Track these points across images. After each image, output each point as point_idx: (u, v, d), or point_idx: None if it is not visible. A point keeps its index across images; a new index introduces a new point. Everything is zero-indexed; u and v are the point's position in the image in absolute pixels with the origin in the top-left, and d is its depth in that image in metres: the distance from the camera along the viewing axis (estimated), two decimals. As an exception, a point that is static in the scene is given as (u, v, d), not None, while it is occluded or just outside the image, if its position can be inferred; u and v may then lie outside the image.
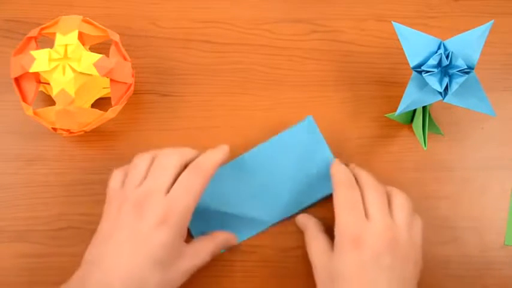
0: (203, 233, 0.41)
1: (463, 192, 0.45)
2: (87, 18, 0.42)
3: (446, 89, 0.37)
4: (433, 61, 0.36)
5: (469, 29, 0.36)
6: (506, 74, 0.48)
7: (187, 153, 0.38)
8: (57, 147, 0.45)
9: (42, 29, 0.41)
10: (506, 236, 0.44)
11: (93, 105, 0.45)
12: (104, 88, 0.46)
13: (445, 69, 0.37)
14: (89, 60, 0.39)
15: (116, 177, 0.38)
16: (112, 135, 0.46)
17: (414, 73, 0.38)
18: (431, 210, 0.45)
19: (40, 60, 0.39)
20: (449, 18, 0.49)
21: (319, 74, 0.48)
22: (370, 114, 0.47)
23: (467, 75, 0.36)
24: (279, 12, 0.49)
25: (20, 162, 0.45)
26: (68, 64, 0.39)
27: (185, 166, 0.37)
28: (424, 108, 0.42)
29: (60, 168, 0.45)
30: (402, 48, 0.37)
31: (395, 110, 0.39)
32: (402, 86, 0.39)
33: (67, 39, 0.39)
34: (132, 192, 0.36)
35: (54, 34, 0.40)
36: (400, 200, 0.38)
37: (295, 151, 0.43)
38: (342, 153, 0.45)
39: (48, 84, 0.44)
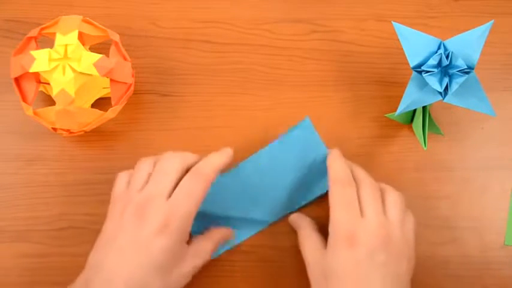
0: (201, 232, 0.41)
1: (463, 192, 0.45)
2: (87, 18, 0.42)
3: (446, 89, 0.37)
4: (433, 61, 0.36)
5: (469, 29, 0.36)
6: (506, 74, 0.48)
7: (189, 157, 0.38)
8: (57, 147, 0.45)
9: (42, 29, 0.41)
10: (506, 236, 0.44)
11: (93, 105, 0.45)
12: (104, 88, 0.46)
13: (445, 69, 0.37)
14: (89, 60, 0.39)
15: (120, 180, 0.38)
16: (112, 135, 0.46)
17: (414, 73, 0.38)
18: (431, 210, 0.45)
19: (40, 60, 0.39)
20: (449, 18, 0.49)
21: (319, 74, 0.48)
22: (370, 114, 0.47)
23: (467, 75, 0.36)
24: (279, 12, 0.49)
25: (20, 162, 0.45)
26: (68, 64, 0.39)
27: (187, 170, 0.37)
28: (424, 108, 0.42)
29: (60, 168, 0.45)
30: (402, 48, 0.37)
31: (395, 110, 0.39)
32: (402, 86, 0.39)
33: (67, 39, 0.39)
34: (134, 196, 0.36)
35: (54, 34, 0.40)
36: (393, 197, 0.38)
37: (293, 154, 0.43)
38: (342, 154, 0.45)
39: (48, 84, 0.44)
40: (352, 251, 0.35)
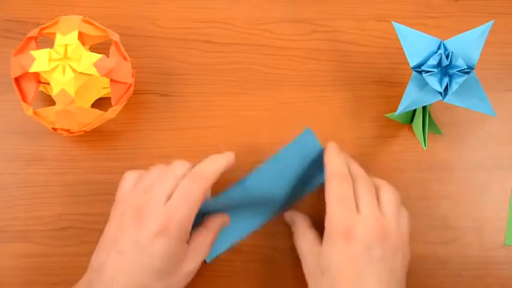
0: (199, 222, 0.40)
1: (463, 192, 0.45)
2: (87, 18, 0.42)
3: (446, 89, 0.37)
4: (433, 61, 0.36)
5: (469, 29, 0.36)
6: (506, 74, 0.48)
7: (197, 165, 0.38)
8: (57, 147, 0.45)
9: (42, 29, 0.41)
10: (506, 236, 0.44)
11: (93, 105, 0.45)
12: (104, 88, 0.46)
13: (445, 69, 0.37)
14: (89, 60, 0.39)
15: (127, 180, 0.38)
16: (112, 135, 0.46)
17: (414, 73, 0.38)
18: (431, 210, 0.45)
19: (40, 60, 0.39)
20: (449, 18, 0.49)
21: (319, 74, 0.48)
22: (370, 114, 0.47)
23: (467, 75, 0.36)
24: (279, 12, 0.49)
25: (20, 162, 0.45)
26: (68, 64, 0.39)
27: None
28: (424, 108, 0.42)
29: (60, 168, 0.45)
30: (402, 48, 0.37)
31: (395, 110, 0.39)
32: (402, 86, 0.39)
33: (67, 39, 0.39)
34: (135, 199, 0.36)
35: (54, 34, 0.40)
36: (388, 192, 0.38)
37: (295, 165, 0.42)
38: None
39: (48, 84, 0.44)
40: (348, 246, 0.35)
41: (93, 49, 0.46)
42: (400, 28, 0.37)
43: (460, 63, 0.36)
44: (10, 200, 0.44)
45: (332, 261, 0.35)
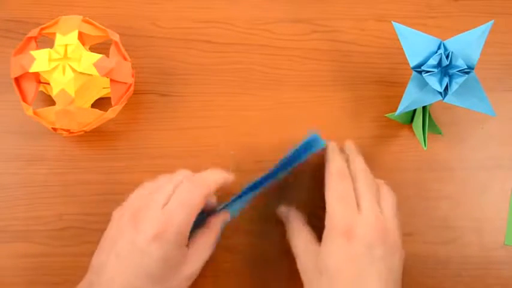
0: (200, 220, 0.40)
1: (463, 192, 0.45)
2: (87, 18, 0.42)
3: (446, 89, 0.37)
4: (433, 61, 0.36)
5: (469, 29, 0.36)
6: (506, 74, 0.48)
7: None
8: (57, 147, 0.45)
9: (42, 29, 0.41)
10: (506, 236, 0.44)
11: (93, 105, 0.45)
12: (104, 88, 0.46)
13: (445, 69, 0.37)
14: (89, 60, 0.39)
15: (143, 186, 0.38)
16: (112, 135, 0.46)
17: (414, 73, 0.38)
18: (431, 210, 0.45)
19: (40, 60, 0.39)
20: (449, 18, 0.49)
21: (319, 74, 0.48)
22: (370, 114, 0.47)
23: (467, 75, 0.36)
24: (279, 12, 0.49)
25: (20, 162, 0.45)
26: (68, 64, 0.39)
27: None
28: (424, 108, 0.42)
29: (60, 168, 0.45)
30: (402, 48, 0.37)
31: (395, 110, 0.39)
32: (402, 86, 0.39)
33: (67, 39, 0.39)
34: (135, 202, 0.36)
35: (54, 34, 0.40)
36: (387, 193, 0.38)
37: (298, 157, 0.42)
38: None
39: (48, 84, 0.44)
40: (349, 245, 0.35)
41: (93, 49, 0.46)
42: (400, 28, 0.37)
43: (460, 63, 0.36)
44: (10, 200, 0.44)
45: (332, 260, 0.35)
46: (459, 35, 0.36)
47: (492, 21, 0.36)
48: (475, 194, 0.45)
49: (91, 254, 0.41)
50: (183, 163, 0.45)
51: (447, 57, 0.36)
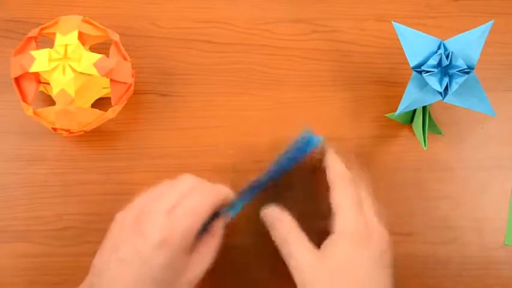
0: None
1: (463, 192, 0.45)
2: (87, 18, 0.42)
3: (446, 89, 0.37)
4: (433, 61, 0.36)
5: (469, 29, 0.36)
6: (506, 74, 0.48)
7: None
8: (57, 147, 0.45)
9: (42, 29, 0.41)
10: (506, 236, 0.44)
11: (93, 105, 0.45)
12: (104, 88, 0.46)
13: (445, 69, 0.37)
14: (89, 60, 0.39)
15: (147, 191, 0.38)
16: (112, 135, 0.46)
17: (414, 73, 0.38)
18: (431, 210, 0.45)
19: (40, 60, 0.39)
20: (449, 18, 0.49)
21: (319, 74, 0.48)
22: (370, 114, 0.47)
23: (467, 75, 0.36)
24: (279, 12, 0.49)
25: (20, 162, 0.45)
26: (68, 64, 0.39)
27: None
28: (424, 108, 0.42)
29: (60, 168, 0.45)
30: (402, 48, 0.37)
31: (395, 110, 0.39)
32: (402, 86, 0.39)
33: (67, 39, 0.39)
34: (137, 206, 0.36)
35: (54, 34, 0.40)
36: (370, 196, 0.39)
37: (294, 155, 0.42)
38: (341, 154, 0.45)
39: (48, 84, 0.44)
40: (363, 250, 0.35)
41: (93, 49, 0.46)
42: (400, 28, 0.37)
43: (460, 63, 0.36)
44: (10, 200, 0.44)
45: (345, 266, 0.35)
46: (459, 35, 0.36)
47: (492, 21, 0.36)
48: (475, 194, 0.45)
49: (91, 254, 0.41)
50: (183, 163, 0.45)
51: (447, 57, 0.36)
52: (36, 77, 0.41)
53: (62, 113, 0.39)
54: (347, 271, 0.35)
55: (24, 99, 0.41)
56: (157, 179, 0.44)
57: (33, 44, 0.41)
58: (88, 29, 0.41)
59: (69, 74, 0.39)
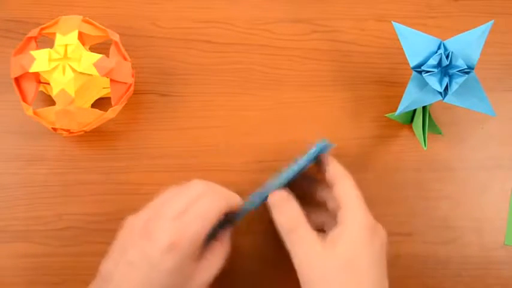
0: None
1: (463, 192, 0.45)
2: (87, 18, 0.42)
3: (446, 89, 0.37)
4: (433, 61, 0.36)
5: (469, 29, 0.36)
6: (506, 74, 0.48)
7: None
8: (57, 147, 0.45)
9: (42, 29, 0.41)
10: (506, 236, 0.44)
11: (93, 105, 0.45)
12: (104, 88, 0.46)
13: (445, 69, 0.37)
14: (89, 60, 0.39)
15: (158, 197, 0.37)
16: (112, 135, 0.46)
17: (414, 73, 0.38)
18: (431, 210, 0.45)
19: (40, 60, 0.39)
20: (449, 18, 0.49)
21: (319, 74, 0.48)
22: (370, 114, 0.47)
23: (467, 75, 0.36)
24: (279, 12, 0.49)
25: (20, 162, 0.45)
26: (68, 64, 0.39)
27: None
28: (424, 108, 0.42)
29: (60, 168, 0.45)
30: (402, 48, 0.37)
31: (395, 110, 0.39)
32: (402, 86, 0.39)
33: (67, 39, 0.39)
34: (147, 211, 0.36)
35: (54, 34, 0.40)
36: None
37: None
38: (341, 154, 0.45)
39: (48, 84, 0.44)
40: (372, 241, 0.35)
41: (93, 49, 0.46)
42: (400, 28, 0.37)
43: (460, 63, 0.36)
44: (10, 200, 0.44)
45: (357, 260, 0.35)
46: (459, 35, 0.36)
47: (492, 21, 0.36)
48: (475, 194, 0.45)
49: (91, 254, 0.41)
50: (183, 163, 0.45)
51: (447, 57, 0.36)
52: (36, 77, 0.41)
53: (62, 113, 0.39)
54: (355, 262, 0.35)
55: (24, 99, 0.41)
56: (157, 179, 0.45)
57: (33, 44, 0.41)
58: (88, 29, 0.41)
59: (69, 74, 0.39)
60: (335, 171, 0.39)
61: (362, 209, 0.36)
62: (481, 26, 0.36)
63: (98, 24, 0.42)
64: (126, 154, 0.45)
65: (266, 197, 0.38)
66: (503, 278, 0.43)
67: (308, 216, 0.37)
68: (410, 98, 0.38)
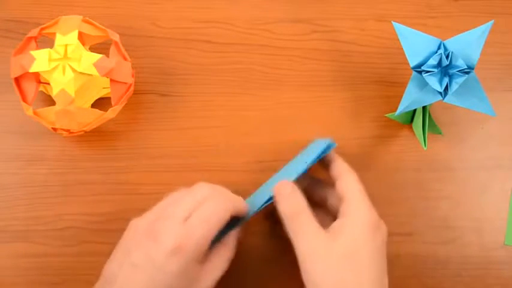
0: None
1: (463, 192, 0.45)
2: (87, 18, 0.42)
3: (446, 89, 0.37)
4: (433, 61, 0.36)
5: (469, 29, 0.36)
6: (506, 74, 0.48)
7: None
8: (57, 147, 0.45)
9: (42, 29, 0.41)
10: (506, 236, 0.44)
11: (93, 105, 0.45)
12: (104, 88, 0.46)
13: (445, 69, 0.37)
14: (89, 60, 0.39)
15: (164, 199, 0.37)
16: (112, 135, 0.46)
17: (414, 73, 0.38)
18: (431, 210, 0.45)
19: (40, 60, 0.39)
20: (449, 18, 0.49)
21: (319, 74, 0.48)
22: (370, 114, 0.47)
23: (467, 75, 0.36)
24: (279, 12, 0.49)
25: (20, 162, 0.45)
26: (68, 64, 0.39)
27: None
28: (424, 108, 0.42)
29: (60, 168, 0.45)
30: (402, 48, 0.37)
31: (395, 110, 0.39)
32: (402, 86, 0.39)
33: (67, 39, 0.39)
34: (152, 214, 0.36)
35: (54, 34, 0.40)
36: None
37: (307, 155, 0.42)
38: (342, 154, 0.45)
39: (48, 84, 0.44)
40: (375, 237, 0.35)
41: (93, 49, 0.46)
42: (400, 28, 0.37)
43: (460, 63, 0.36)
44: (10, 200, 0.44)
45: (357, 249, 0.35)
46: (459, 35, 0.36)
47: (492, 21, 0.36)
48: (475, 194, 0.45)
49: (91, 254, 0.41)
50: (183, 163, 0.45)
51: (447, 57, 0.36)
52: (36, 77, 0.41)
53: (62, 113, 0.39)
54: (356, 254, 0.35)
55: (24, 99, 0.41)
56: (158, 179, 0.45)
57: (33, 44, 0.41)
58: (88, 29, 0.41)
59: (69, 74, 0.39)
60: (340, 168, 0.39)
61: (366, 203, 0.36)
62: (481, 26, 0.36)
63: (98, 24, 0.42)
64: (126, 154, 0.45)
65: (270, 198, 0.38)
66: (503, 278, 0.43)
67: None
68: (410, 98, 0.38)
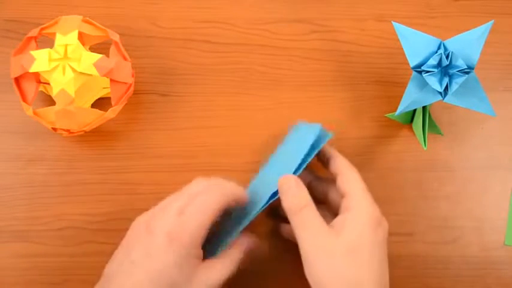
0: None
1: (463, 192, 0.45)
2: (87, 18, 0.42)
3: (446, 89, 0.37)
4: (433, 61, 0.36)
5: (469, 29, 0.36)
6: (506, 74, 0.48)
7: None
8: (57, 147, 0.45)
9: (42, 29, 0.41)
10: (506, 236, 0.44)
11: (93, 105, 0.45)
12: (104, 88, 0.46)
13: (445, 69, 0.37)
14: (89, 60, 0.39)
15: (173, 193, 0.37)
16: (112, 135, 0.46)
17: (414, 73, 0.38)
18: (431, 210, 0.45)
19: (40, 60, 0.39)
20: (449, 18, 0.49)
21: (319, 74, 0.48)
22: (370, 114, 0.47)
23: (467, 75, 0.36)
24: (279, 12, 0.49)
25: (20, 162, 0.45)
26: (68, 64, 0.39)
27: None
28: (424, 108, 0.42)
29: (60, 168, 0.45)
30: (402, 48, 0.37)
31: (395, 110, 0.39)
32: (402, 86, 0.39)
33: (67, 39, 0.39)
34: (149, 212, 0.36)
35: (54, 34, 0.40)
36: None
37: (299, 147, 0.41)
38: (342, 153, 0.45)
39: (48, 84, 0.44)
40: (377, 233, 0.35)
41: (93, 49, 0.46)
42: (400, 28, 0.37)
43: (460, 63, 0.36)
44: (10, 200, 0.44)
45: (360, 244, 0.35)
46: (459, 35, 0.36)
47: (492, 21, 0.36)
48: (475, 194, 0.45)
49: (91, 254, 0.41)
50: (183, 163, 0.45)
51: (447, 57, 0.36)
52: (36, 77, 0.41)
53: (62, 113, 0.39)
54: (358, 249, 0.35)
55: (24, 99, 0.41)
56: (157, 179, 0.45)
57: (33, 44, 0.41)
58: (88, 29, 0.41)
59: (69, 74, 0.39)
60: (341, 164, 0.39)
61: (368, 199, 0.36)
62: (481, 26, 0.36)
63: (98, 24, 0.42)
64: (126, 154, 0.45)
65: (274, 193, 0.38)
66: (503, 278, 0.43)
67: None
68: (410, 98, 0.38)
